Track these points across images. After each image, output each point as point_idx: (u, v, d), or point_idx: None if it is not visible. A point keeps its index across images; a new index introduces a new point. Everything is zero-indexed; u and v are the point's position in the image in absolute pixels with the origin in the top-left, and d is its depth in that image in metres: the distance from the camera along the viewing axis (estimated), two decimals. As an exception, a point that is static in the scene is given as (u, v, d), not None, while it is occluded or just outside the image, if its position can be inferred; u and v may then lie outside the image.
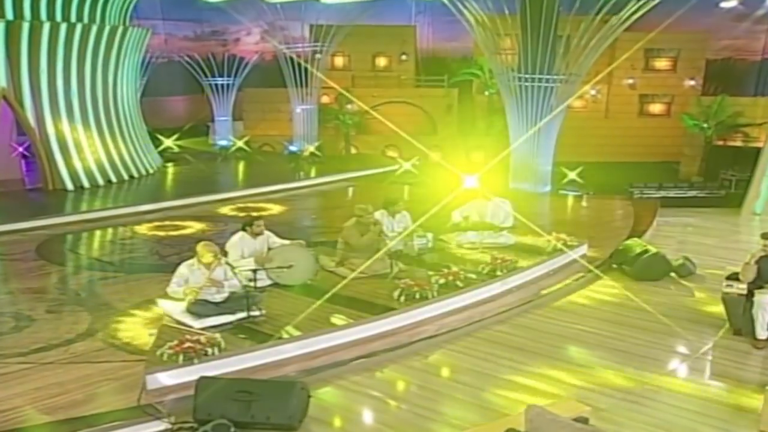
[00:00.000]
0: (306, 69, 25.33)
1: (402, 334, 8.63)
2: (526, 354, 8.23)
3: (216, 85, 28.44)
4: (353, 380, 7.58)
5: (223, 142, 28.09)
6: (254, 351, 7.71)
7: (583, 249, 12.05)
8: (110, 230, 14.71)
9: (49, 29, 17.89)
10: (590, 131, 29.57)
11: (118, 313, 9.36)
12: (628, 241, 11.80)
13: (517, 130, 20.27)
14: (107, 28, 19.58)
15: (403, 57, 32.36)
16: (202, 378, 6.65)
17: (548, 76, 19.46)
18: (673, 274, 11.20)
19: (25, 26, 17.42)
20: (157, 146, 24.44)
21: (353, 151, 29.04)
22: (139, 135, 21.94)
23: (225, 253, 9.49)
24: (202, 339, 7.44)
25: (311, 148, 25.04)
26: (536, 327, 9.13)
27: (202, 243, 8.77)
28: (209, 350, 7.37)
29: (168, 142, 25.86)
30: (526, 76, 19.70)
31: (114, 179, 19.87)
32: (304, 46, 26.53)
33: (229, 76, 28.22)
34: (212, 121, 29.29)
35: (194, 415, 6.41)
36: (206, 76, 28.05)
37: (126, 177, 20.36)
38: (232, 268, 8.62)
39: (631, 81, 30.47)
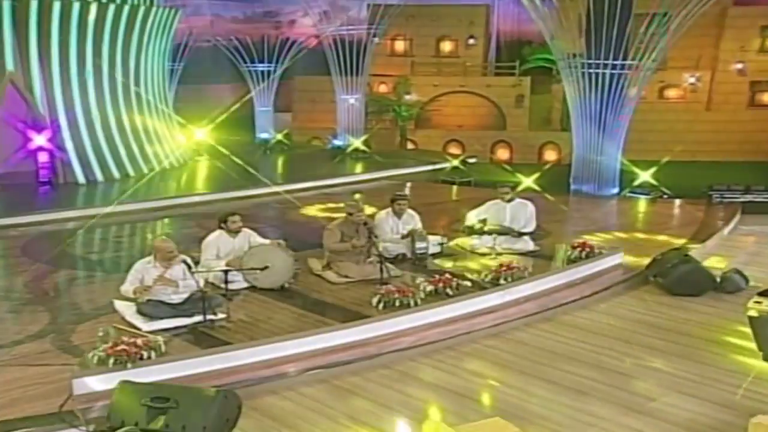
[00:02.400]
0: (355, 54, 25.61)
1: (373, 345, 8.75)
2: (507, 371, 8.23)
3: (256, 71, 29.04)
4: (303, 392, 7.75)
5: (265, 135, 28.69)
6: (198, 357, 7.96)
7: (618, 258, 11.90)
8: (113, 228, 15.32)
9: (60, 8, 18.72)
10: (687, 125, 28.99)
11: (80, 315, 9.77)
12: (670, 250, 11.58)
13: (580, 124, 20.09)
14: (127, 7, 20.30)
15: (471, 41, 32.42)
16: (122, 382, 6.93)
17: (619, 62, 19.19)
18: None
19: (34, 4, 18.26)
20: (189, 138, 25.21)
21: (410, 146, 29.22)
22: (164, 126, 22.67)
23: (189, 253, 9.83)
24: (139, 342, 7.74)
25: (357, 143, 25.35)
26: (533, 343, 9.09)
27: (160, 239, 9.13)
28: (145, 354, 7.66)
29: (202, 134, 26.55)
30: (593, 62, 19.46)
31: (132, 173, 20.63)
32: (356, 28, 26.77)
33: (270, 62, 28.77)
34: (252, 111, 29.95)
35: (107, 421, 6.69)
36: (245, 61, 28.66)
37: (146, 171, 21.07)
38: (189, 267, 8.91)
39: (740, 66, 29.63)
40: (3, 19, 17.98)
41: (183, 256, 9.14)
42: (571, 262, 11.34)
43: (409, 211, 11.95)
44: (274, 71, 29.41)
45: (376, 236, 10.60)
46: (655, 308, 10.35)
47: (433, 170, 22.41)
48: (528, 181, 20.14)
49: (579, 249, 11.48)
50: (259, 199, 18.10)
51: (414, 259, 11.38)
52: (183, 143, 24.41)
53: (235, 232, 10.53)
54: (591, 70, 19.46)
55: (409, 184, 19.74)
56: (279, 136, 27.27)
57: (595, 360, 8.54)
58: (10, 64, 18.44)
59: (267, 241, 10.55)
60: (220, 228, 10.58)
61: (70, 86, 19.51)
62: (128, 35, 20.72)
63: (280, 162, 24.64)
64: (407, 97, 29.51)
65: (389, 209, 11.85)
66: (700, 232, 14.37)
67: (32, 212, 15.73)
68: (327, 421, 7.18)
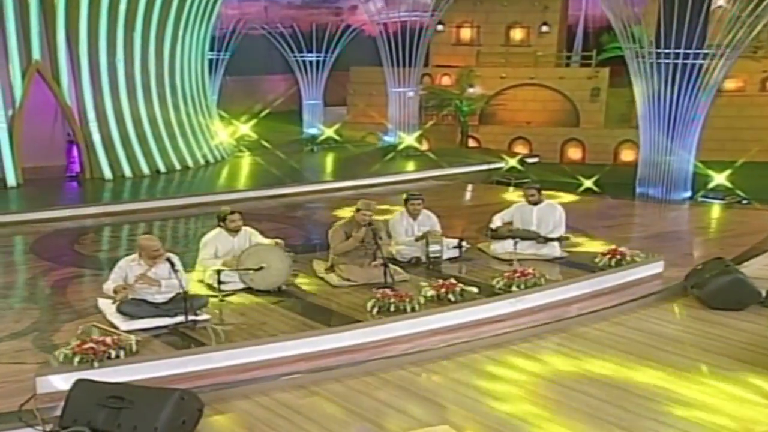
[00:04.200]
0: (409, 42, 25.83)
1: (362, 351, 9.06)
2: (499, 383, 8.44)
3: (305, 61, 29.56)
4: (277, 397, 8.10)
5: (313, 131, 29.22)
6: (170, 358, 8.40)
7: (658, 267, 11.94)
8: (129, 226, 15.98)
9: (90, -7, 19.52)
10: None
11: (70, 314, 10.32)
12: (712, 259, 11.56)
13: (648, 120, 20.00)
14: (162, -7, 21.02)
15: (544, 28, 32.36)
16: (78, 380, 7.40)
17: (693, 51, 19.05)
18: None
19: (63, -11, 19.12)
20: (232, 133, 25.94)
21: (472, 144, 29.36)
22: (201, 119, 23.34)
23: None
24: (108, 340, 8.21)
25: (409, 140, 25.65)
26: (537, 355, 9.26)
27: (145, 236, 9.63)
28: (113, 353, 8.12)
29: (245, 129, 27.24)
30: (664, 51, 19.34)
31: (163, 169, 21.34)
32: (415, 14, 26.94)
33: (319, 51, 29.26)
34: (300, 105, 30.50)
35: (60, 420, 7.16)
36: (293, 51, 29.21)
37: (178, 167, 21.79)
38: (173, 265, 9.36)
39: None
40: (30, 4, 18.81)
41: (169, 255, 9.59)
42: (599, 269, 11.40)
43: (426, 211, 12.21)
44: (325, 61, 29.86)
45: (380, 238, 10.88)
46: (685, 322, 10.37)
47: (488, 170, 22.54)
48: (588, 183, 20.27)
49: (608, 256, 11.55)
50: (292, 199, 18.56)
51: (428, 264, 11.62)
52: (223, 138, 25.09)
53: (234, 231, 10.95)
54: (661, 60, 19.34)
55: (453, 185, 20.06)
56: (329, 132, 27.74)
57: (598, 376, 8.66)
58: (36, 53, 19.27)
59: (266, 241, 10.93)
60: (219, 226, 11.01)
61: (99, 76, 20.25)
62: (163, 22, 21.42)
63: (324, 159, 25.11)
64: (470, 90, 29.61)
65: (403, 210, 12.14)
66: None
67: (48, 208, 16.44)
68: (292, 427, 7.51)
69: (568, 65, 32.95)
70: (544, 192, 12.89)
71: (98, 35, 20.07)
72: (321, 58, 29.80)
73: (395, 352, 9.09)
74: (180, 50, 22.51)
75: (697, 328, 10.19)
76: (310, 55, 29.60)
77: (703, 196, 19.43)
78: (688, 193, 19.72)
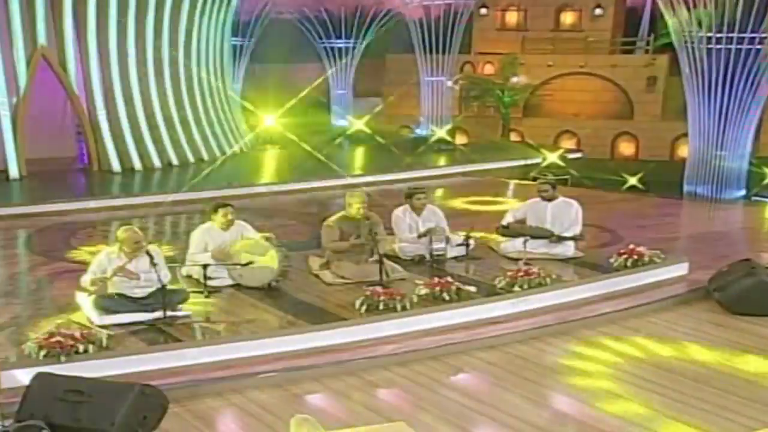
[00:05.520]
0: (443, 28, 26.05)
1: (347, 351, 9.40)
2: (488, 386, 8.72)
3: (332, 48, 29.86)
4: (251, 396, 8.46)
5: (343, 123, 29.55)
6: (141, 354, 8.81)
7: (681, 269, 12.09)
8: (132, 221, 16.47)
9: (99, -26, 20.14)
10: None
11: (51, 309, 10.80)
12: (739, 261, 11.67)
13: (698, 112, 20.03)
14: (177, -28, 21.56)
15: (597, 11, 32.31)
16: (38, 374, 7.82)
17: (751, 35, 19.02)
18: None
19: (70, -31, 19.73)
20: (255, 126, 26.43)
21: (514, 138, 29.49)
22: (219, 109, 23.84)
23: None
24: (77, 334, 8.64)
25: (440, 132, 25.91)
26: (533, 359, 9.50)
27: (124, 228, 10.03)
28: (81, 347, 8.55)
29: (270, 121, 27.68)
30: (718, 35, 19.35)
31: (175, 162, 21.88)
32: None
33: (348, 37, 29.52)
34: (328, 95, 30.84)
35: (17, 414, 7.58)
36: (321, 37, 29.50)
37: (192, 160, 22.33)
38: (152, 258, 9.76)
39: None
40: (36, -15, 19.48)
41: (149, 247, 10.00)
42: (614, 270, 11.59)
43: (431, 206, 12.50)
44: (354, 48, 30.12)
45: (376, 233, 11.17)
46: (702, 328, 10.48)
47: (525, 166, 22.73)
48: (633, 180, 20.38)
49: (625, 256, 11.72)
50: (310, 194, 18.99)
51: (432, 262, 11.91)
52: (244, 129, 25.61)
53: (227, 225, 11.32)
54: (713, 46, 19.35)
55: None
56: (358, 125, 28.04)
57: (585, 383, 8.88)
58: (42, 38, 19.87)
59: (257, 235, 11.30)
60: (210, 220, 11.40)
61: (109, 63, 20.83)
62: (177, 5, 21.96)
63: (350, 153, 25.51)
64: (514, 79, 29.72)
65: (406, 205, 12.42)
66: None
67: (47, 201, 17.02)
68: (260, 426, 7.87)
69: (626, 52, 32.76)
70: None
71: (108, 19, 20.65)
72: (350, 45, 30.03)
73: (381, 352, 9.40)
74: (197, 35, 23.06)
75: (714, 334, 10.30)
76: (338, 41, 29.86)
77: (757, 195, 19.37)
78: (742, 192, 19.72)
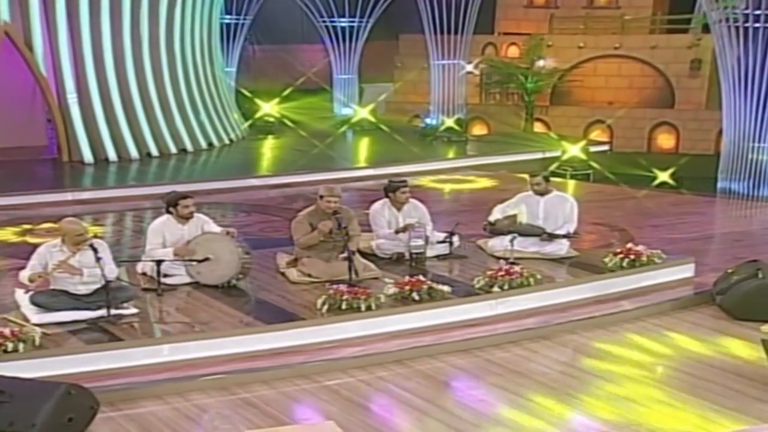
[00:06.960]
0: (456, 3, 26.14)
1: (302, 353, 9.80)
2: (450, 393, 9.10)
3: (335, 28, 30.01)
4: (193, 399, 8.88)
5: (347, 111, 29.82)
6: (76, 354, 9.24)
7: (686, 271, 12.38)
8: (94, 216, 16.94)
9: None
10: None
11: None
12: (745, 263, 11.89)
13: (734, 100, 20.18)
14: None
15: (636, -17, 32.15)
16: (-38, 372, 8.27)
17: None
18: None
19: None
20: (251, 114, 26.81)
21: (539, 128, 29.64)
22: (206, 95, 24.17)
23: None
24: (6, 332, 9.06)
25: (449, 122, 26.17)
26: (507, 365, 9.83)
27: (67, 219, 10.45)
28: (10, 345, 8.97)
29: (266, 108, 27.96)
30: (756, 12, 19.45)
31: (155, 152, 22.29)
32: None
33: (353, 15, 29.60)
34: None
35: (-68, 415, 8.01)
36: (322, 15, 29.64)
37: (174, 150, 22.74)
38: (96, 252, 10.17)
39: None
40: (-2, -44, 19.90)
41: (93, 241, 10.42)
42: (609, 271, 11.89)
43: (414, 201, 12.82)
44: (359, 28, 30.21)
45: (345, 227, 11.52)
46: (699, 334, 10.77)
47: (543, 159, 22.99)
48: (664, 176, 20.59)
49: (620, 256, 12.00)
50: (297, 189, 19.37)
51: (411, 261, 12.26)
52: (236, 118, 26.01)
53: (185, 218, 11.71)
54: (751, 24, 19.45)
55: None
56: (363, 113, 28.21)
57: (564, 391, 9.21)
58: (5, 13, 20.24)
59: (218, 230, 11.70)
60: (168, 212, 11.79)
61: (81, 42, 21.19)
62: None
63: (350, 144, 25.85)
64: (540, 63, 29.86)
65: (386, 200, 12.74)
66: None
67: (3, 194, 17.49)
68: (196, 430, 8.29)
69: (671, 32, 32.41)
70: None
71: (79, -6, 20.98)
72: (355, 24, 30.12)
73: (338, 355, 9.79)
74: (180, 11, 23.32)
75: (712, 341, 10.51)
76: (342, 20, 29.95)
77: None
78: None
